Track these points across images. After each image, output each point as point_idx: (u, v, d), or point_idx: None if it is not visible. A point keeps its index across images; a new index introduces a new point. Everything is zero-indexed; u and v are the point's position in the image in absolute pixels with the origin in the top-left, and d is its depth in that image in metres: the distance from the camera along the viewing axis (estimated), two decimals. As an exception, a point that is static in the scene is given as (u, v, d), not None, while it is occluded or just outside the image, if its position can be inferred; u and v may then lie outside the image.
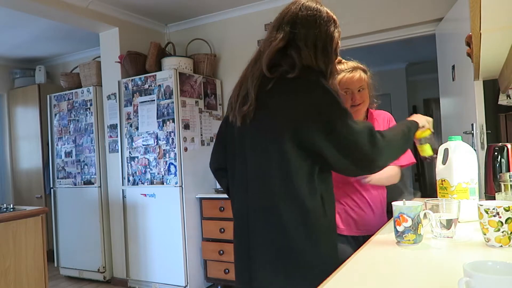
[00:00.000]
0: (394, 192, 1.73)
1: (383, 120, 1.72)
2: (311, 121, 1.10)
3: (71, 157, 3.95)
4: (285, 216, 1.14)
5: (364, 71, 1.69)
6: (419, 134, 1.36)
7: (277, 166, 1.14)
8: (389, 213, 1.15)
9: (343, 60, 1.69)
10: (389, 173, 1.58)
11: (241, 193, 1.23)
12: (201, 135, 3.52)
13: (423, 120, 1.37)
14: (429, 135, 1.40)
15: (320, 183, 1.16)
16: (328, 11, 1.22)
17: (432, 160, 1.42)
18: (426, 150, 1.40)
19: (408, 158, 1.63)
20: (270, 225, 1.15)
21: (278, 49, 1.16)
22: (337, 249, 1.23)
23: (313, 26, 1.17)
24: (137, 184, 3.47)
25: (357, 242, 1.60)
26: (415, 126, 1.33)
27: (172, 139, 3.28)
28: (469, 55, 1.52)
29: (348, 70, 1.66)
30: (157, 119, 3.36)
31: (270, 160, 1.14)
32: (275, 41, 1.17)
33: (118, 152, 3.61)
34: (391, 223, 1.24)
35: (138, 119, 3.47)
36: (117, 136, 3.63)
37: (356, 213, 1.63)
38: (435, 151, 1.42)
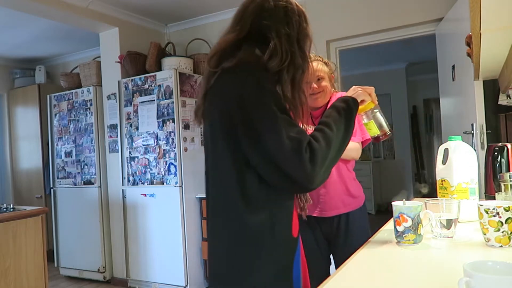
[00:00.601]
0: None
1: None
2: (237, 120, 0.95)
3: (71, 157, 3.95)
4: (218, 237, 1.05)
5: (326, 63, 1.73)
6: (360, 109, 1.15)
7: (212, 172, 1.06)
8: (389, 212, 1.14)
9: None
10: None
11: None
12: (201, 135, 3.52)
13: (361, 93, 1.16)
14: (371, 109, 1.18)
15: (265, 195, 0.98)
16: (298, 4, 1.10)
17: (385, 138, 1.22)
18: (372, 129, 1.20)
19: (359, 137, 1.63)
20: (209, 245, 1.10)
21: (232, 42, 1.04)
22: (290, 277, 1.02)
23: (283, 19, 1.04)
24: (137, 184, 3.47)
25: (310, 221, 1.64)
26: (355, 104, 1.11)
27: (172, 139, 3.28)
28: (469, 55, 1.52)
29: (317, 59, 1.71)
30: (157, 119, 3.36)
31: (209, 164, 1.07)
32: (231, 34, 1.07)
33: (118, 152, 3.61)
34: (391, 223, 1.23)
35: (138, 119, 3.47)
36: (117, 136, 3.63)
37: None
38: (382, 129, 1.20)
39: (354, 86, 1.18)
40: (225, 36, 1.08)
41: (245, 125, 0.94)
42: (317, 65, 1.67)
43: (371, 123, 1.19)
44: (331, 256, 1.79)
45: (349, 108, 1.08)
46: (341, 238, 1.69)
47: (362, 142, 1.66)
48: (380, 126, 1.20)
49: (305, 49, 1.07)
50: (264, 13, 1.05)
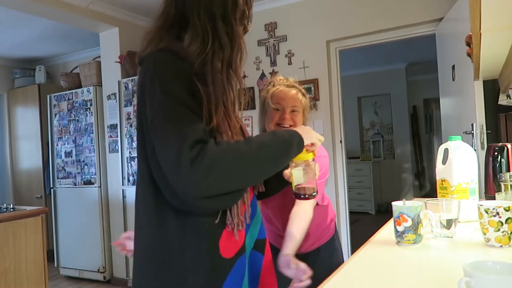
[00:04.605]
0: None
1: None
2: (138, 109, 0.86)
3: (71, 157, 3.95)
4: (135, 244, 0.92)
5: (304, 94, 1.47)
6: (300, 157, 0.93)
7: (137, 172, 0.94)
8: (389, 212, 1.14)
9: (283, 78, 1.49)
10: (307, 218, 1.27)
11: None
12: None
13: (313, 137, 0.95)
14: (308, 161, 0.95)
15: (177, 203, 0.83)
16: None
17: (305, 197, 0.98)
18: (297, 178, 0.97)
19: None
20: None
21: (157, 32, 0.92)
22: None
23: None
24: (137, 184, 3.47)
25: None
26: (299, 141, 0.90)
27: (172, 139, 3.28)
28: (469, 55, 1.52)
29: (285, 85, 1.46)
30: (157, 119, 3.35)
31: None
32: (156, 22, 0.94)
33: (118, 152, 3.61)
34: (391, 223, 1.23)
35: (138, 119, 3.47)
36: (117, 136, 3.63)
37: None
38: (311, 189, 0.97)
39: (309, 128, 0.98)
40: (151, 26, 0.95)
41: (141, 118, 0.85)
42: (296, 94, 1.43)
43: (299, 172, 0.96)
44: None
45: (290, 143, 0.88)
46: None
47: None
48: (308, 182, 0.97)
49: (234, 22, 0.89)
50: None
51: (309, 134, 0.93)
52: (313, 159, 0.96)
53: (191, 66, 0.84)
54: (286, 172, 1.02)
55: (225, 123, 0.86)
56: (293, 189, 0.98)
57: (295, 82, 1.49)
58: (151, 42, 0.91)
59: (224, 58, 0.87)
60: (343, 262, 1.49)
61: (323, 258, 1.54)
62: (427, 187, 6.86)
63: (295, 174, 0.96)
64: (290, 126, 1.39)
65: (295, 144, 0.89)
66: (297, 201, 1.20)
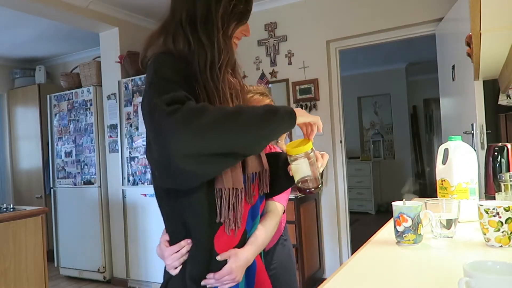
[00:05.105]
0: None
1: None
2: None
3: (71, 157, 3.95)
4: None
5: (262, 94, 1.49)
6: (297, 149, 0.91)
7: None
8: (389, 212, 1.14)
9: (251, 87, 1.50)
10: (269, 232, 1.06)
11: None
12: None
13: (310, 117, 0.93)
14: (307, 152, 0.92)
15: (179, 201, 0.88)
16: None
17: (310, 191, 0.94)
18: (298, 172, 0.93)
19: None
20: None
21: (155, 36, 0.97)
22: None
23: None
24: (137, 184, 3.47)
25: None
26: (289, 111, 0.87)
27: (172, 139, 3.28)
28: (469, 55, 1.52)
29: (258, 92, 1.46)
30: (157, 119, 3.35)
31: None
32: (158, 24, 0.99)
33: (118, 152, 3.61)
34: (391, 223, 1.23)
35: (138, 119, 3.47)
36: (117, 136, 3.63)
37: None
38: (314, 182, 0.93)
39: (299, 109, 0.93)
40: (152, 31, 0.99)
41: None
42: (268, 101, 1.45)
43: (298, 166, 0.93)
44: None
45: (276, 108, 0.85)
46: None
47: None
48: (310, 175, 0.93)
49: (218, 22, 0.91)
50: None
51: (304, 113, 0.91)
52: (312, 150, 0.93)
53: (187, 65, 0.88)
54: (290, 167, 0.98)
55: None
56: (296, 183, 0.95)
57: (265, 89, 1.51)
58: (150, 45, 0.96)
59: (207, 59, 0.89)
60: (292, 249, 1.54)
61: (278, 253, 1.50)
62: (427, 187, 6.86)
63: (295, 168, 0.93)
64: None
65: (283, 111, 0.85)
66: (271, 205, 1.10)
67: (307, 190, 0.94)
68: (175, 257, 0.91)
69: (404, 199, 1.16)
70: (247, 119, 0.79)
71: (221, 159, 0.79)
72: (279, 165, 1.02)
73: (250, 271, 0.98)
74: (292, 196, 2.96)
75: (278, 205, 1.13)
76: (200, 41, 0.90)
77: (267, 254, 1.49)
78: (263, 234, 0.99)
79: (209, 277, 0.90)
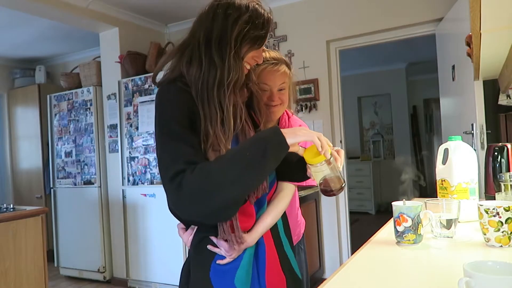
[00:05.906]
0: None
1: None
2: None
3: (71, 157, 3.95)
4: None
5: (288, 65, 1.34)
6: (316, 159, 0.91)
7: None
8: (389, 212, 1.14)
9: (265, 48, 1.26)
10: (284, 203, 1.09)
11: None
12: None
13: (304, 136, 0.91)
14: (321, 163, 0.92)
15: None
16: (245, 2, 0.97)
17: (332, 193, 0.95)
18: (319, 176, 0.95)
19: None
20: None
21: (174, 56, 1.03)
22: None
23: (207, 18, 0.96)
24: (137, 184, 3.47)
25: None
26: (276, 146, 0.87)
27: (172, 139, 3.28)
28: (469, 55, 1.52)
29: (270, 62, 1.30)
30: (157, 119, 3.35)
31: None
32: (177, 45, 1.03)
33: (118, 152, 3.61)
34: (391, 223, 1.23)
35: (138, 119, 3.47)
36: (117, 136, 3.63)
37: None
38: (336, 182, 0.95)
39: (302, 127, 0.97)
40: (172, 48, 1.06)
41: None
42: (282, 72, 1.30)
43: (319, 175, 0.95)
44: None
45: (269, 146, 0.86)
46: None
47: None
48: (333, 177, 0.95)
49: (232, 43, 0.94)
50: (199, 17, 0.99)
51: (296, 134, 0.90)
52: (331, 154, 0.93)
53: (195, 90, 0.94)
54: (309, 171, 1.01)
55: (222, 140, 0.91)
56: (318, 185, 0.97)
57: (276, 53, 1.35)
58: (165, 62, 1.04)
59: (216, 77, 0.93)
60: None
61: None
62: (427, 187, 6.86)
63: (316, 174, 0.95)
64: (277, 105, 1.30)
65: (271, 147, 0.87)
66: (283, 185, 1.09)
67: (331, 192, 0.96)
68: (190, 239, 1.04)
69: (404, 199, 1.16)
70: (238, 171, 0.84)
71: (225, 211, 0.88)
72: (292, 165, 1.05)
73: (259, 259, 1.01)
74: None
75: (289, 185, 1.11)
76: (212, 59, 0.94)
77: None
78: (269, 219, 1.03)
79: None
